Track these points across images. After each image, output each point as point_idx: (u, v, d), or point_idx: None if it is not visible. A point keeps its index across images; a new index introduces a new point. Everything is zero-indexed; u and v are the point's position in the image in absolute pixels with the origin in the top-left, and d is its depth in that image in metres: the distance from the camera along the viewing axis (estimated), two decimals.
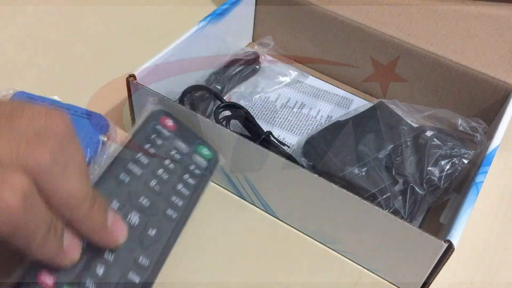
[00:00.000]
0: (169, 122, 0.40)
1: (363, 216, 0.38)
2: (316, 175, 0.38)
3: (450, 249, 0.34)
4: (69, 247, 0.28)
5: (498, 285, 0.42)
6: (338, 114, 0.52)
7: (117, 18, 0.62)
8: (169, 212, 0.35)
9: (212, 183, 0.45)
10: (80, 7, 0.63)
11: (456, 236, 0.35)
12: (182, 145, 0.39)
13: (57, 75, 0.54)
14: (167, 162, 0.37)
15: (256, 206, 0.44)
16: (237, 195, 0.45)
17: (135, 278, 0.31)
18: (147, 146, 0.37)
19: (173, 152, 0.38)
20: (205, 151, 0.40)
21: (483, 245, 0.44)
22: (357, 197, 0.36)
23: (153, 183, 0.35)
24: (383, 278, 0.41)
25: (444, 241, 0.34)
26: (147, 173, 0.35)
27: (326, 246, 0.42)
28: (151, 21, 0.63)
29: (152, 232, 0.33)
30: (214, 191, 0.45)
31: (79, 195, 0.26)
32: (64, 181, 0.26)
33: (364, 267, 0.41)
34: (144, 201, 0.34)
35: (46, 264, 0.27)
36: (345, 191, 0.37)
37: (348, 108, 0.53)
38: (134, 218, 0.33)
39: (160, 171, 0.36)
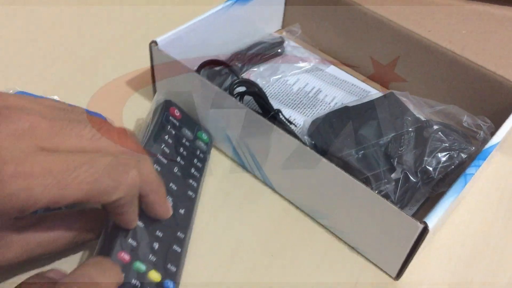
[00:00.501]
0: (177, 112, 0.45)
1: (350, 193, 0.39)
2: (309, 149, 0.39)
3: (425, 230, 0.35)
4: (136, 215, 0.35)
5: (498, 285, 0.42)
6: None
7: (117, 18, 0.62)
8: (189, 193, 0.41)
9: (219, 153, 0.48)
10: (80, 7, 0.63)
11: (433, 219, 0.36)
12: (188, 133, 0.44)
13: (57, 75, 0.54)
14: (181, 149, 0.42)
15: (256, 178, 0.46)
16: (240, 165, 0.47)
17: (177, 248, 0.38)
18: (166, 136, 0.42)
19: (183, 140, 0.43)
20: (204, 136, 0.46)
21: (483, 245, 0.44)
22: (344, 173, 0.38)
23: (175, 169, 0.41)
24: (368, 260, 0.42)
25: (420, 222, 0.35)
26: (174, 154, 0.41)
27: (317, 222, 0.44)
28: (151, 21, 0.63)
29: (182, 211, 0.39)
30: (220, 160, 0.47)
31: (155, 173, 0.34)
32: (146, 164, 0.33)
33: (352, 247, 0.42)
34: (173, 186, 0.40)
35: (122, 227, 0.35)
36: (334, 166, 0.38)
37: None
38: (169, 200, 0.38)
39: (178, 158, 0.41)
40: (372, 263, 0.42)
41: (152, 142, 0.41)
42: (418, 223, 0.35)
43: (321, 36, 0.59)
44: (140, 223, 0.36)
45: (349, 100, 0.53)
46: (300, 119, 0.51)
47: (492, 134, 0.45)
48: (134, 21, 0.62)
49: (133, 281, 0.35)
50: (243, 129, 0.44)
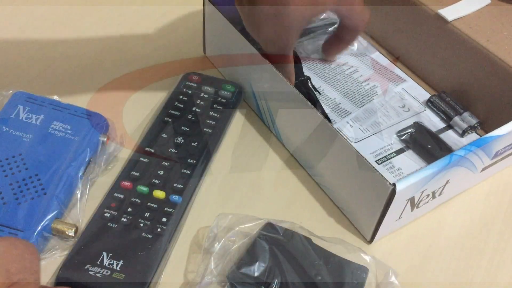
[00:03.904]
0: (195, 77, 0.52)
1: (338, 151, 0.42)
2: (319, 114, 0.43)
3: (394, 192, 0.37)
4: None
5: (498, 285, 0.42)
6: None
7: (117, 18, 0.62)
8: (205, 129, 0.48)
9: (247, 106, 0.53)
10: (80, 7, 0.63)
11: (403, 183, 0.37)
12: (207, 88, 0.51)
13: (57, 75, 0.54)
14: (198, 101, 0.50)
15: (270, 130, 0.51)
16: (260, 117, 0.52)
17: (186, 171, 0.44)
18: (181, 96, 0.50)
19: (202, 94, 0.50)
20: (228, 86, 0.51)
21: (483, 245, 0.45)
22: (339, 134, 0.41)
23: (189, 116, 0.48)
24: (347, 218, 0.45)
25: (390, 184, 0.37)
26: (189, 107, 0.49)
27: (306, 171, 0.47)
28: (151, 21, 0.62)
29: (194, 144, 0.46)
30: (244, 112, 0.53)
31: None
32: None
33: (337, 206, 0.45)
34: (185, 128, 0.47)
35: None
36: (335, 130, 0.42)
37: (397, 86, 0.56)
38: (180, 139, 0.46)
39: (198, 101, 0.50)
40: (354, 226, 0.44)
41: (170, 100, 0.49)
42: (388, 183, 0.37)
43: (375, 24, 0.60)
44: (144, 159, 0.44)
45: (384, 85, 0.55)
46: (329, 91, 0.54)
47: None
48: (134, 21, 0.62)
49: (133, 199, 0.42)
50: (269, 88, 0.48)
